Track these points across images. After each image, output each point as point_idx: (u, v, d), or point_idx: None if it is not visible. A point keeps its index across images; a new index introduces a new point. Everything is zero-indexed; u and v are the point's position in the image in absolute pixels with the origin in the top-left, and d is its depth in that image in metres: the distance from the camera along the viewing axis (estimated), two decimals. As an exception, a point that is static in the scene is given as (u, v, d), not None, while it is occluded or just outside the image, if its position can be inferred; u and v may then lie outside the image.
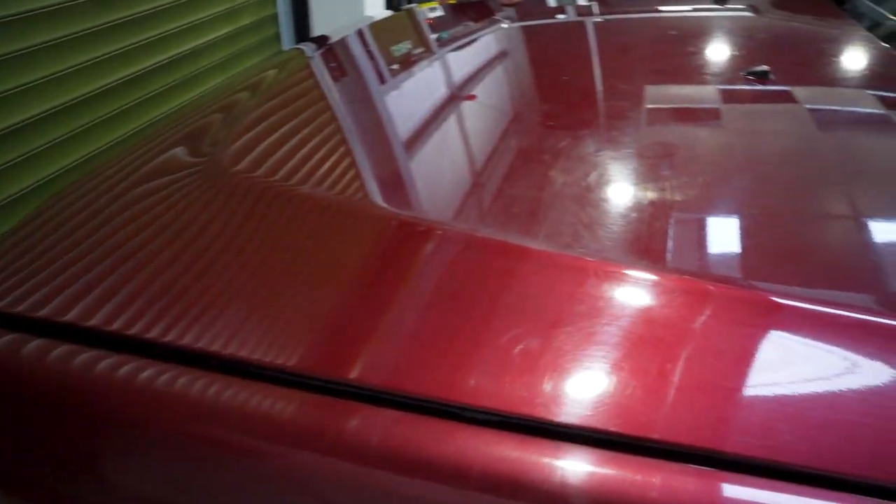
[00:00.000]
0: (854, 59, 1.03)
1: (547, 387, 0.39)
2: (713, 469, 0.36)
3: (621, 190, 0.62)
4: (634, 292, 0.47)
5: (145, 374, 0.43)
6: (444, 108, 0.84)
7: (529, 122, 0.81)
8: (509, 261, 0.50)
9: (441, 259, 0.52)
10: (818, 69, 0.98)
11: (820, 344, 0.42)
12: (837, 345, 0.42)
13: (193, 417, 0.41)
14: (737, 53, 1.07)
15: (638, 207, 0.58)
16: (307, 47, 1.11)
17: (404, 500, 0.38)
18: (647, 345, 0.42)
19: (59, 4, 1.56)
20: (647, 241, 0.54)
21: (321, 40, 1.14)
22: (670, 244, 0.54)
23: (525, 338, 0.42)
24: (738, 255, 0.53)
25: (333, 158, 0.67)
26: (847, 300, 0.48)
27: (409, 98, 0.88)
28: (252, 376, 0.42)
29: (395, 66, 1.01)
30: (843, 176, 0.66)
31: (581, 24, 1.25)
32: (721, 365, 0.41)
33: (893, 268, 0.52)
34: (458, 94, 0.89)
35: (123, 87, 1.88)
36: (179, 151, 0.72)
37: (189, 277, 0.50)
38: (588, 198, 0.60)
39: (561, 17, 1.32)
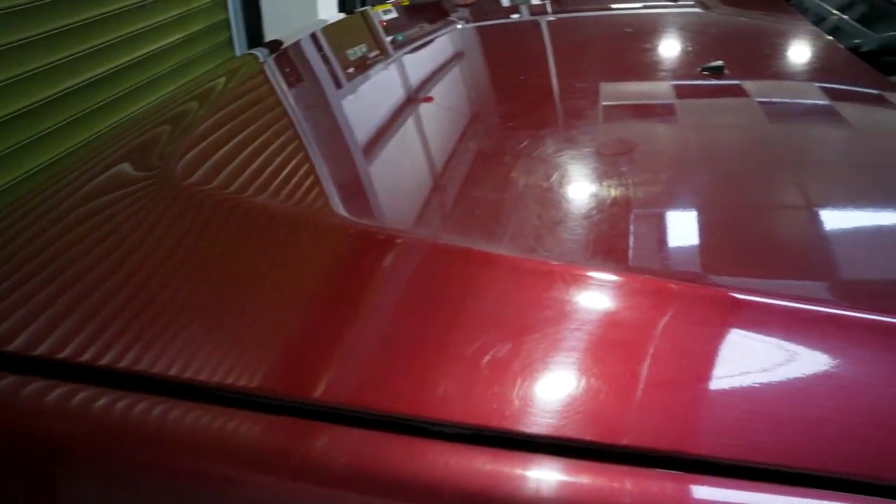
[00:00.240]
0: (804, 52, 1.05)
1: (516, 397, 0.38)
2: (688, 473, 0.35)
3: (586, 190, 0.61)
4: (601, 295, 0.46)
5: (97, 404, 0.40)
6: (402, 111, 0.82)
7: (489, 124, 0.80)
8: (474, 267, 0.49)
9: (404, 268, 0.51)
10: (771, 63, 0.99)
11: (788, 339, 0.42)
12: (806, 340, 0.42)
13: (151, 445, 0.39)
14: (692, 49, 1.08)
15: (604, 207, 0.58)
16: (260, 53, 1.08)
17: None
18: (616, 349, 0.42)
19: (-6, 12, 1.50)
20: (613, 242, 0.53)
21: (274, 45, 1.12)
22: (637, 243, 0.53)
23: (492, 347, 0.41)
24: (705, 252, 0.53)
25: (290, 167, 0.65)
26: (814, 293, 0.48)
27: (367, 102, 0.86)
28: (210, 400, 0.40)
29: (351, 70, 1.00)
30: (804, 167, 0.67)
31: (536, 24, 1.25)
32: (691, 365, 0.40)
33: (862, 260, 0.52)
34: (416, 97, 0.88)
35: (70, 97, 1.82)
36: (128, 165, 0.69)
37: (141, 299, 0.48)
38: (553, 199, 0.60)
39: (515, 16, 1.32)
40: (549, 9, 1.34)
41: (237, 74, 0.96)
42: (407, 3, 1.46)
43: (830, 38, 1.06)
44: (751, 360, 0.40)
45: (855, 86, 0.87)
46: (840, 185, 0.63)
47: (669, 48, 1.08)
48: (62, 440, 0.40)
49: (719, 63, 0.87)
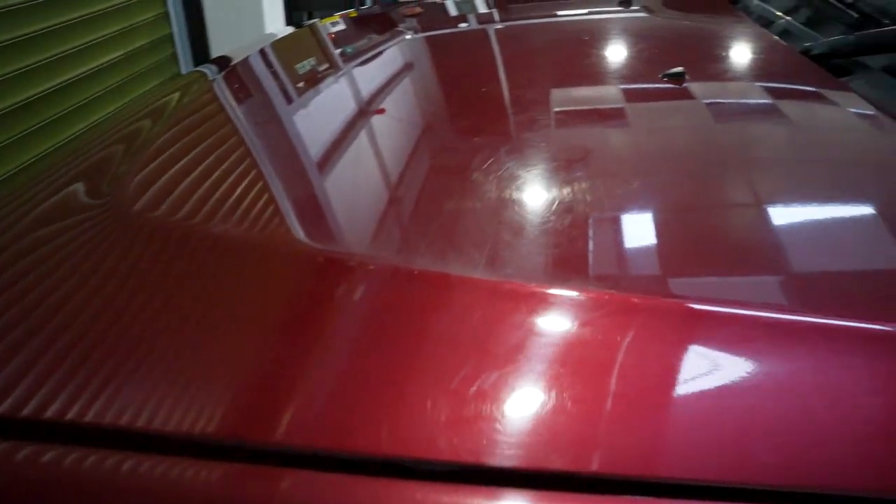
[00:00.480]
0: (759, 56, 1.05)
1: (483, 430, 0.37)
2: (664, 497, 0.35)
3: (551, 203, 0.59)
4: (566, 316, 0.45)
5: (42, 459, 0.38)
6: (357, 127, 0.81)
7: (447, 136, 0.79)
8: (432, 291, 0.48)
9: (366, 295, 0.49)
10: (727, 67, 1.00)
11: (766, 353, 0.41)
12: (785, 351, 0.41)
13: (91, 500, 0.37)
14: (645, 54, 1.08)
15: (572, 221, 0.55)
16: (209, 69, 1.06)
17: None
18: (583, 372, 0.41)
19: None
20: (580, 258, 0.51)
21: (223, 62, 1.09)
22: (607, 258, 0.52)
23: (455, 378, 0.40)
24: (674, 264, 0.52)
25: (247, 192, 0.63)
26: (786, 303, 0.47)
27: (322, 120, 0.84)
28: (168, 449, 0.38)
29: (304, 86, 0.98)
30: (766, 171, 0.66)
31: (484, 32, 1.26)
32: (661, 385, 0.40)
33: (827, 268, 0.51)
34: (370, 111, 0.87)
35: (8, 118, 1.75)
36: (76, 191, 0.66)
37: (91, 339, 0.45)
38: (515, 213, 0.58)
39: (463, 25, 1.32)
40: (496, 17, 1.35)
41: (187, 93, 0.94)
42: (355, 15, 1.45)
43: (782, 41, 1.08)
44: (721, 376, 0.40)
45: (809, 88, 0.87)
46: (805, 189, 0.62)
47: (623, 54, 1.09)
48: None
49: (680, 69, 0.87)
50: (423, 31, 1.27)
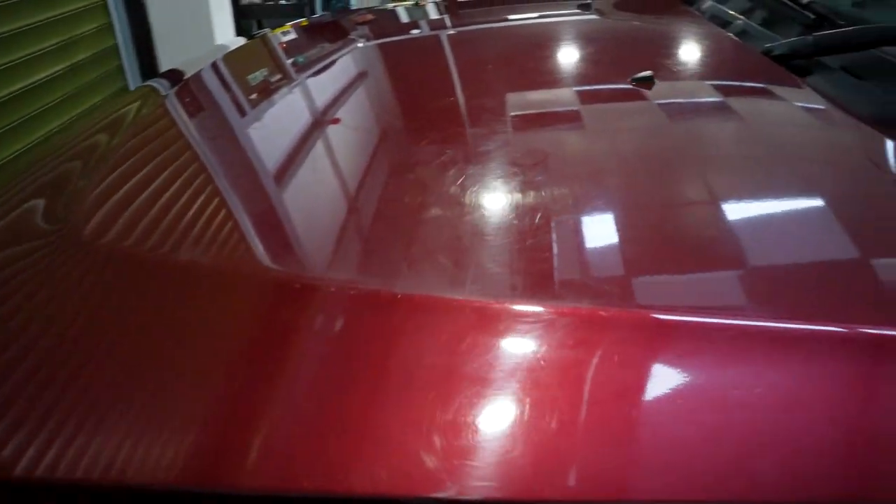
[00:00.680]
0: (718, 54, 1.06)
1: (461, 463, 0.36)
2: None
3: (519, 217, 0.57)
4: (541, 333, 0.43)
5: None
6: (316, 141, 0.79)
7: (410, 150, 0.76)
8: (399, 314, 0.45)
9: (332, 323, 0.46)
10: (690, 69, 1.00)
11: (745, 363, 0.41)
12: (766, 359, 0.41)
13: None
14: (603, 56, 1.08)
15: (538, 233, 0.54)
16: (160, 85, 1.02)
17: None
18: (551, 393, 0.39)
19: None
20: (552, 273, 0.49)
21: (174, 76, 1.06)
22: (578, 272, 0.50)
23: (419, 409, 0.39)
24: (650, 276, 0.50)
25: (214, 216, 0.59)
26: (759, 312, 0.46)
27: (279, 135, 0.82)
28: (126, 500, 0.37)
29: (260, 101, 0.96)
30: (732, 173, 0.65)
31: (437, 38, 1.26)
32: (633, 402, 0.39)
33: (801, 275, 0.50)
34: (326, 122, 0.85)
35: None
36: (27, 216, 0.62)
37: (39, 380, 0.43)
38: (484, 230, 0.55)
39: (415, 32, 1.32)
40: (448, 23, 1.35)
41: (141, 110, 0.90)
42: (306, 24, 1.43)
43: (742, 41, 1.08)
44: (690, 388, 0.39)
45: (773, 88, 0.87)
46: (770, 191, 0.62)
47: (580, 57, 1.09)
48: None
49: (648, 73, 0.86)
50: (376, 38, 1.26)
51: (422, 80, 0.99)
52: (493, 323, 0.43)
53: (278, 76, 1.08)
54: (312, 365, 0.43)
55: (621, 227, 0.55)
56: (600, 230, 0.56)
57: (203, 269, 0.53)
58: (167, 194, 0.63)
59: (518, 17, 1.37)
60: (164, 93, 0.97)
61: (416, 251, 0.53)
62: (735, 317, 0.43)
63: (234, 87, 1.03)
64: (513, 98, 0.88)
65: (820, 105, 0.79)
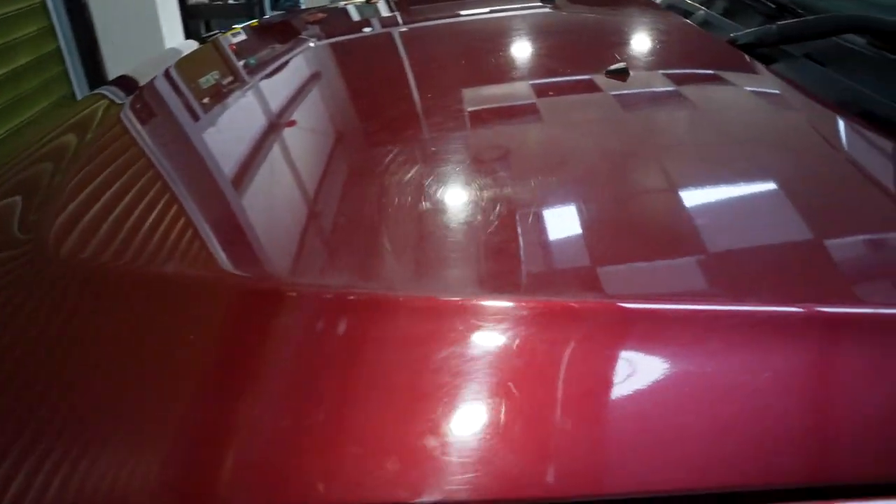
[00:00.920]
0: (685, 45, 1.05)
1: (437, 466, 0.36)
2: None
3: (484, 213, 0.56)
4: (510, 329, 0.42)
5: None
6: (282, 146, 0.75)
7: (370, 150, 0.73)
8: (367, 315, 0.44)
9: (303, 329, 0.45)
10: (658, 59, 0.99)
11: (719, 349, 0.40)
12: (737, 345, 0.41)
13: None
14: (567, 49, 1.06)
15: (507, 230, 0.53)
16: (113, 93, 0.99)
17: None
18: (529, 392, 0.39)
19: None
20: (520, 268, 0.48)
21: (125, 83, 1.03)
22: (550, 268, 0.49)
23: (386, 414, 0.38)
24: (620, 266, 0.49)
25: (188, 227, 0.58)
26: (733, 296, 0.45)
27: (240, 142, 0.78)
28: None
29: (223, 108, 0.91)
30: (705, 163, 0.65)
31: (390, 36, 1.25)
32: (607, 395, 0.39)
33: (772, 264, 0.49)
34: (285, 125, 0.83)
35: None
36: None
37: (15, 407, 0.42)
38: (450, 229, 0.54)
39: (367, 30, 1.31)
40: (400, 20, 1.34)
41: (96, 121, 0.86)
42: (257, 25, 1.41)
43: (707, 31, 1.08)
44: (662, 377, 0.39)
45: (741, 76, 0.87)
46: (744, 182, 0.61)
47: (540, 51, 1.07)
48: None
49: (622, 65, 0.84)
50: (327, 37, 1.25)
51: (381, 80, 0.97)
52: (465, 321, 0.43)
53: (238, 81, 1.05)
54: (282, 375, 0.42)
55: (597, 219, 0.55)
56: (577, 222, 0.55)
57: (168, 282, 0.51)
58: (134, 213, 0.61)
59: (472, 12, 1.36)
60: (118, 102, 0.93)
61: (383, 252, 0.52)
62: (700, 302, 0.43)
63: (193, 95, 0.99)
64: (472, 93, 0.86)
65: (785, 92, 0.80)
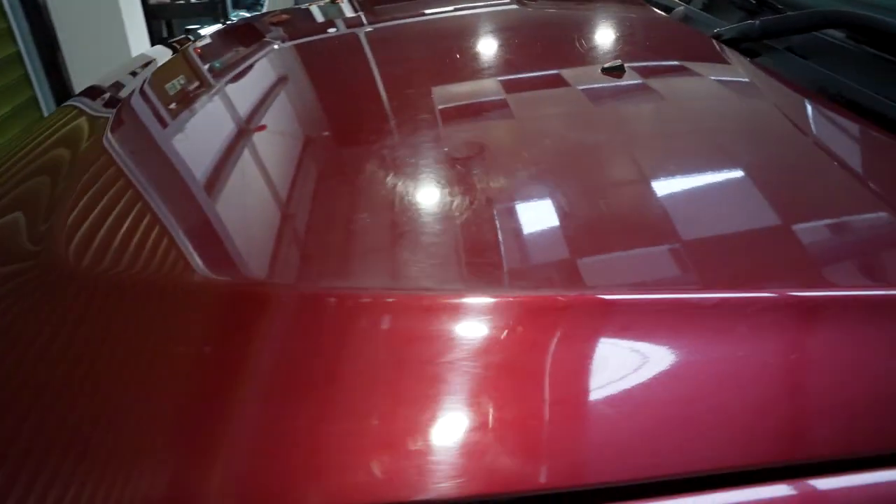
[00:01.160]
0: (672, 40, 1.04)
1: (413, 464, 0.36)
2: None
3: (463, 209, 0.55)
4: (487, 324, 0.42)
5: None
6: (269, 153, 0.73)
7: (348, 152, 0.71)
8: (350, 313, 0.44)
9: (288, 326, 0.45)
10: (650, 55, 0.97)
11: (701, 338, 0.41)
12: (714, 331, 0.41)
13: None
14: (545, 47, 1.03)
15: (485, 226, 0.53)
16: (89, 106, 0.94)
17: None
18: (512, 385, 0.39)
19: None
20: (500, 263, 0.48)
21: (95, 93, 0.98)
22: (535, 262, 0.49)
23: (373, 416, 0.38)
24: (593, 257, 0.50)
25: (200, 234, 0.57)
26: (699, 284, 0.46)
27: (234, 148, 0.75)
28: None
29: (201, 114, 0.86)
30: (691, 160, 0.65)
31: (356, 36, 1.21)
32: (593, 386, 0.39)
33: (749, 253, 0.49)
34: (267, 131, 0.78)
35: None
36: None
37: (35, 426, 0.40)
38: (428, 226, 0.54)
39: (332, 30, 1.27)
40: (364, 20, 1.31)
41: (82, 135, 0.82)
42: (227, 28, 1.36)
43: (689, 27, 1.07)
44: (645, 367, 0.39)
45: (726, 68, 0.87)
46: (728, 177, 0.61)
47: (510, 49, 1.04)
48: None
49: (619, 62, 0.84)
50: (291, 39, 1.21)
51: (350, 81, 0.93)
52: (440, 317, 0.43)
53: (221, 91, 1.00)
54: (256, 379, 0.41)
55: (581, 214, 0.55)
56: (558, 217, 0.55)
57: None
58: (142, 224, 0.60)
59: (436, 11, 1.33)
60: (102, 115, 0.88)
61: (361, 252, 0.52)
62: (673, 290, 0.44)
63: (173, 105, 0.94)
64: (439, 92, 0.84)
65: (768, 83, 0.82)
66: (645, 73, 0.86)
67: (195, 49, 1.21)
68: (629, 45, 1.04)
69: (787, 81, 0.81)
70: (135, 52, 2.72)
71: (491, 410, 0.38)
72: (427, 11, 1.30)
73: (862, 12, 0.76)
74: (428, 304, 0.44)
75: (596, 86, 0.83)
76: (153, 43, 2.82)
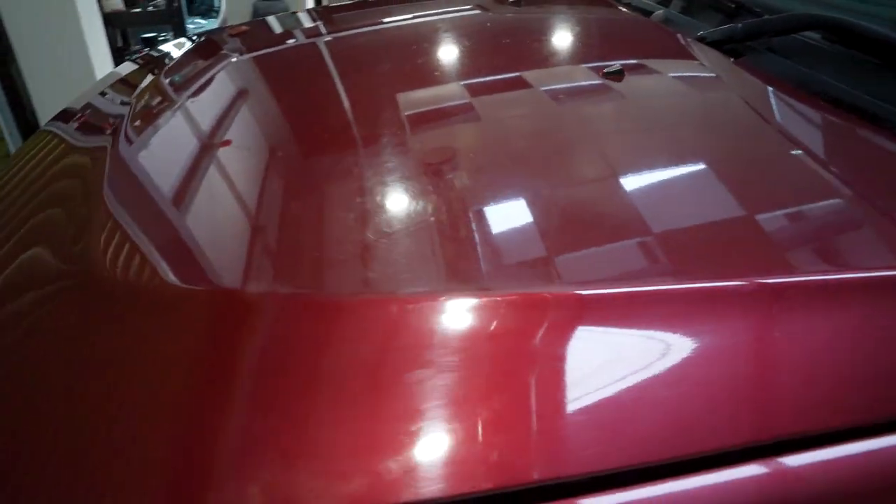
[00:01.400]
0: (656, 43, 1.04)
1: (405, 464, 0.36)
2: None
3: (438, 211, 0.55)
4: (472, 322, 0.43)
5: None
6: (236, 165, 0.71)
7: (322, 160, 0.70)
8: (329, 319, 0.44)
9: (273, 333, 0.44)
10: (638, 58, 0.96)
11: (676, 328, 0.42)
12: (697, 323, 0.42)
13: None
14: (519, 51, 1.01)
15: (460, 227, 0.53)
16: (64, 131, 0.90)
17: None
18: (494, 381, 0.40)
19: None
20: (479, 263, 0.49)
21: (69, 116, 0.95)
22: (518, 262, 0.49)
23: (362, 418, 0.38)
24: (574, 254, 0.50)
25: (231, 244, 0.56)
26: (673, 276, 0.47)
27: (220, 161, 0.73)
28: None
29: (180, 129, 0.84)
30: (680, 159, 0.66)
31: (315, 46, 1.17)
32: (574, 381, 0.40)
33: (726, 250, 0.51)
34: (238, 146, 0.75)
35: None
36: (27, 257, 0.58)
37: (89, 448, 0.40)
38: (402, 229, 0.54)
39: (292, 41, 1.23)
40: (323, 30, 1.26)
41: (78, 160, 0.80)
42: (197, 42, 1.31)
43: (672, 29, 1.08)
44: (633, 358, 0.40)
45: (714, 68, 0.90)
46: (710, 176, 0.63)
47: (478, 54, 1.02)
48: None
49: (618, 67, 0.86)
50: (250, 51, 1.16)
51: (314, 91, 0.90)
52: (419, 319, 0.43)
53: (216, 111, 0.95)
54: (243, 386, 0.41)
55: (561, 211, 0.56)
56: (536, 216, 0.55)
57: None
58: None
59: (399, 18, 1.29)
60: (81, 139, 0.86)
61: (353, 255, 0.52)
62: (648, 283, 0.45)
63: (162, 120, 0.88)
64: (403, 98, 0.82)
65: (751, 82, 0.85)
66: (639, 75, 0.88)
67: (170, 69, 1.15)
68: (616, 47, 1.05)
69: (769, 79, 0.85)
70: (95, 62, 2.63)
71: (472, 409, 0.38)
72: (388, 19, 1.27)
73: (834, 16, 0.81)
74: (408, 305, 0.44)
75: (578, 84, 0.85)
76: (112, 52, 2.73)
